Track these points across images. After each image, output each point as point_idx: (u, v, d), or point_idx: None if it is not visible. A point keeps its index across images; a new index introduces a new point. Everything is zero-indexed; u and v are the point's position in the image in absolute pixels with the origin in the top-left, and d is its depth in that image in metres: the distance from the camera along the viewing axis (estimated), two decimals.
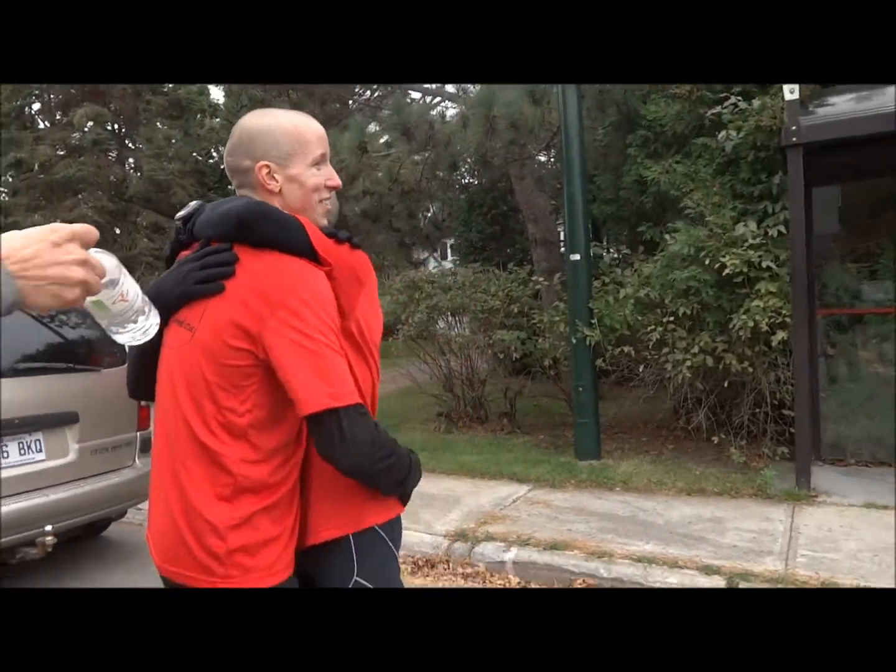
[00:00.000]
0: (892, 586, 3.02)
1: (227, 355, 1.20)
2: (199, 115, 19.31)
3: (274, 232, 1.22)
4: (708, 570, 3.32)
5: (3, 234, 0.80)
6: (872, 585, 3.03)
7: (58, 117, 17.47)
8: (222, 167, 16.97)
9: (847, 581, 3.09)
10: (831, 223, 5.52)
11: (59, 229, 0.82)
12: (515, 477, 5.13)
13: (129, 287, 0.99)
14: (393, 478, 1.29)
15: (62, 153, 16.84)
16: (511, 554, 3.71)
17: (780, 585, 3.11)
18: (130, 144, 18.61)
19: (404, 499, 1.38)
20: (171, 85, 17.48)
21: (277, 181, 1.29)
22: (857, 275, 5.22)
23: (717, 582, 3.21)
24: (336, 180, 1.36)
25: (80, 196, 16.72)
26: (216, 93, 19.87)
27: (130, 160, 18.82)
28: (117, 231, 17.67)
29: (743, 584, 3.15)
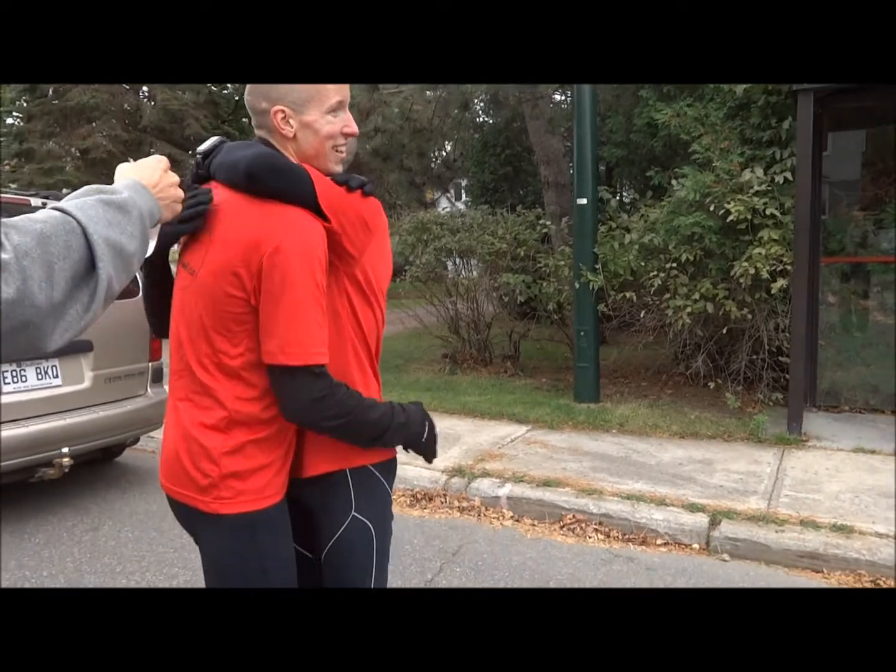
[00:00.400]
0: (868, 523, 3.15)
1: (222, 300, 1.24)
2: None
3: (280, 185, 1.25)
4: (693, 507, 3.46)
5: (126, 166, 1.06)
6: (849, 524, 3.16)
7: None
8: (237, 98, 16.74)
9: (825, 520, 3.22)
10: (853, 169, 5.45)
11: (161, 160, 1.08)
12: (515, 418, 5.27)
13: None
14: (356, 437, 1.33)
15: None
16: (505, 489, 3.86)
17: (761, 523, 3.25)
18: None
19: (416, 447, 1.43)
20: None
21: (292, 126, 1.30)
22: (865, 222, 5.19)
23: (701, 519, 3.35)
24: (353, 127, 1.36)
25: (94, 124, 16.58)
26: None
27: (144, 88, 18.60)
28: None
29: (725, 522, 3.29)
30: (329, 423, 1.27)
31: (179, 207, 1.15)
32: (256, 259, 1.20)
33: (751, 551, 3.14)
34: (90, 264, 0.79)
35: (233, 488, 1.27)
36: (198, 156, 1.37)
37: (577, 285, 5.51)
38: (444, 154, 12.68)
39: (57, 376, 3.67)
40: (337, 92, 1.31)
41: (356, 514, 1.39)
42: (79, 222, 0.79)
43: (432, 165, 11.43)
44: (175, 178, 1.12)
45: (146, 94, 18.56)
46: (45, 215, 0.78)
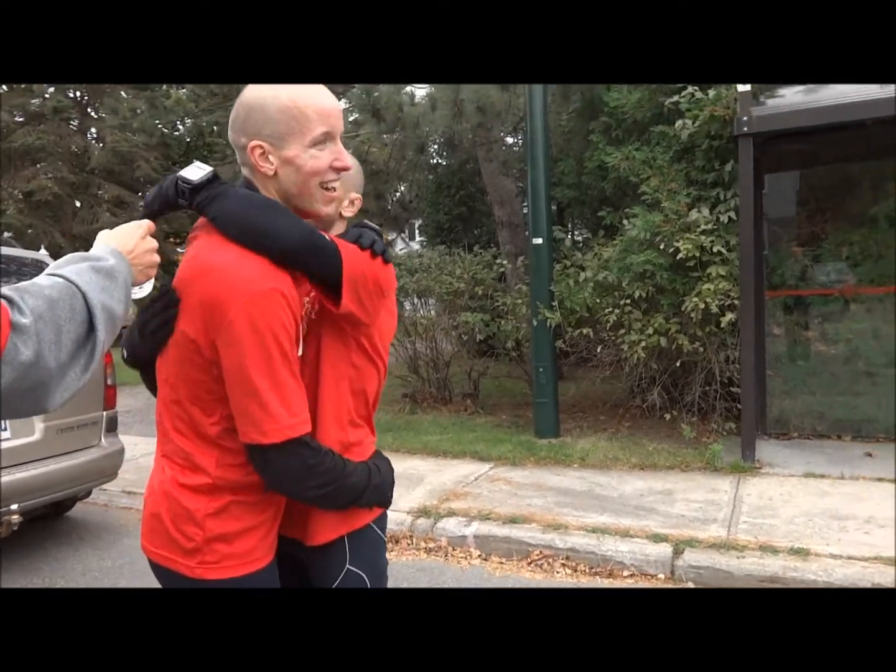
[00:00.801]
0: (823, 545, 3.27)
1: (188, 368, 1.17)
2: (164, 86, 18.91)
3: (311, 267, 1.18)
4: (657, 538, 3.53)
5: (106, 232, 1.06)
6: (805, 547, 3.27)
7: None
8: (188, 140, 16.55)
9: (783, 543, 3.33)
10: (789, 207, 5.77)
11: (142, 225, 1.10)
12: (477, 455, 5.30)
13: None
14: (336, 502, 1.27)
15: (21, 120, 16.37)
16: (472, 528, 3.87)
17: (722, 551, 3.33)
18: (93, 114, 18.15)
19: (382, 504, 1.38)
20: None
21: (272, 164, 1.16)
22: (804, 258, 5.47)
23: (665, 548, 3.41)
24: (344, 161, 1.20)
25: (38, 166, 16.29)
26: None
27: (93, 130, 18.39)
28: (77, 204, 17.20)
29: (688, 550, 3.36)
30: (313, 492, 1.20)
31: (154, 272, 1.12)
32: (212, 329, 1.11)
33: (714, 578, 3.21)
34: (90, 327, 0.83)
35: (218, 552, 1.19)
36: (183, 184, 1.19)
37: (534, 322, 5.63)
38: (399, 195, 12.87)
39: (5, 429, 3.54)
40: (321, 122, 1.15)
41: (350, 567, 1.36)
42: (78, 288, 0.83)
43: (388, 207, 11.57)
44: (153, 244, 1.11)
45: (94, 135, 18.37)
46: (49, 281, 0.83)
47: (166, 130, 19.20)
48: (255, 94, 1.17)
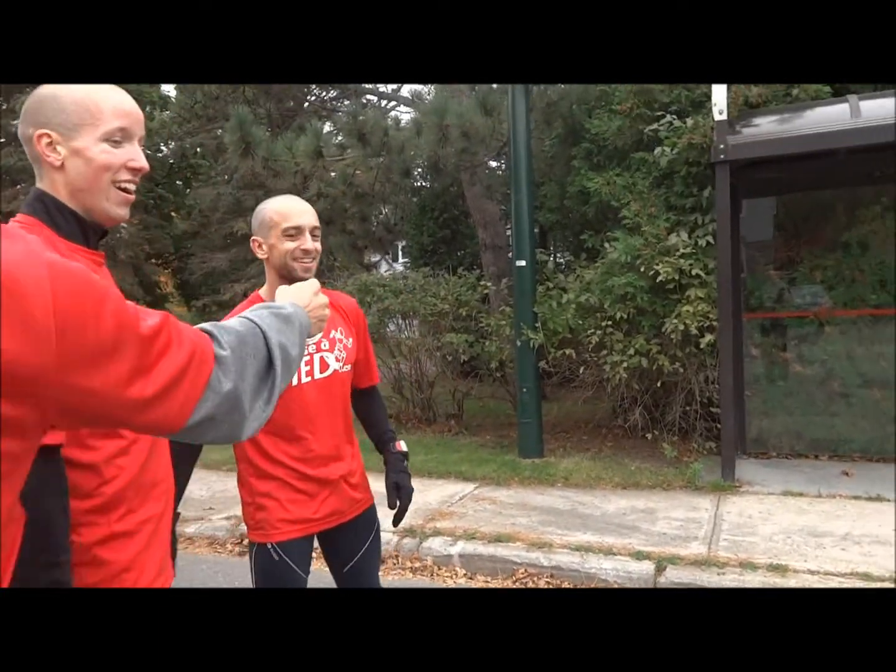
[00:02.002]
0: (801, 562, 3.34)
1: None
2: (148, 108, 18.96)
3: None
4: (639, 555, 3.59)
5: (284, 288, 1.22)
6: (784, 563, 3.33)
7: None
8: (172, 162, 16.49)
9: (762, 560, 3.39)
10: (766, 231, 5.93)
11: (314, 284, 1.26)
12: (462, 476, 5.33)
13: None
14: None
15: (2, 141, 16.30)
16: (457, 547, 3.90)
17: (703, 567, 3.39)
18: None
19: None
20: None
21: (60, 153, 1.10)
22: (780, 281, 5.62)
23: (648, 566, 3.47)
24: (140, 162, 1.16)
25: (19, 186, 16.21)
26: (167, 85, 19.55)
27: None
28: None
29: (670, 567, 3.42)
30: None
31: (325, 324, 1.27)
32: None
33: None
34: (269, 364, 0.92)
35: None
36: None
37: (518, 343, 5.70)
38: (383, 217, 12.99)
39: None
40: (117, 117, 1.12)
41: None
42: (260, 328, 0.93)
43: (373, 229, 11.66)
44: (325, 300, 1.24)
45: None
46: (237, 321, 0.93)
47: (149, 152, 19.24)
48: (50, 88, 1.12)
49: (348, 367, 1.90)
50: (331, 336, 1.85)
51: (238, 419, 0.85)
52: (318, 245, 1.77)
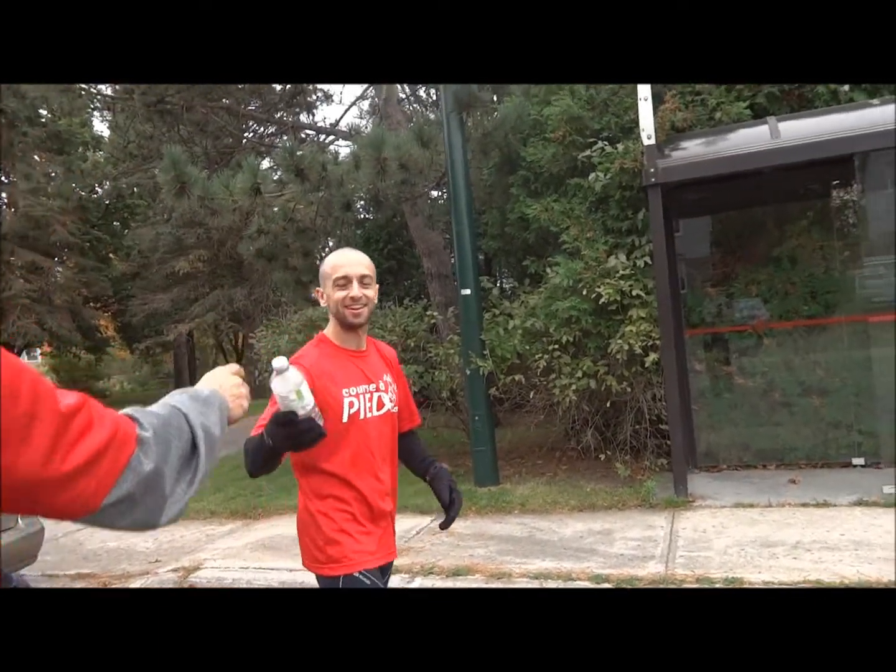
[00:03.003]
0: (755, 573, 3.37)
1: None
2: (80, 149, 18.52)
3: None
4: (598, 579, 3.57)
5: (205, 376, 1.22)
6: (739, 576, 3.37)
7: None
8: (107, 203, 16.09)
9: (718, 574, 3.42)
10: (703, 248, 6.11)
11: (230, 367, 1.27)
12: (418, 509, 5.24)
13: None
14: None
15: None
16: (415, 584, 3.82)
17: (661, 586, 3.39)
18: (3, 178, 17.55)
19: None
20: (48, 115, 16.68)
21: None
22: (718, 296, 5.78)
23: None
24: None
25: None
26: (99, 125, 19.17)
27: (3, 195, 17.78)
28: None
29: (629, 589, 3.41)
30: None
31: (246, 404, 1.26)
32: None
33: None
34: (192, 446, 0.93)
35: None
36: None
37: (467, 371, 5.70)
38: (328, 251, 12.92)
39: None
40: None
41: None
42: (181, 411, 0.95)
43: (317, 263, 11.58)
44: (239, 380, 1.26)
45: (5, 200, 17.76)
46: (159, 406, 0.96)
47: (84, 194, 18.76)
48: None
49: (396, 408, 2.03)
50: (384, 378, 1.99)
51: (158, 501, 0.85)
52: (367, 292, 1.91)
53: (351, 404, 1.87)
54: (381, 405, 1.95)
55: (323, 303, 1.96)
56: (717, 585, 3.31)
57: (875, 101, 4.79)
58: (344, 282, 1.88)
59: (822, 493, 4.55)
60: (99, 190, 19.76)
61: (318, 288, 1.98)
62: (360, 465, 1.89)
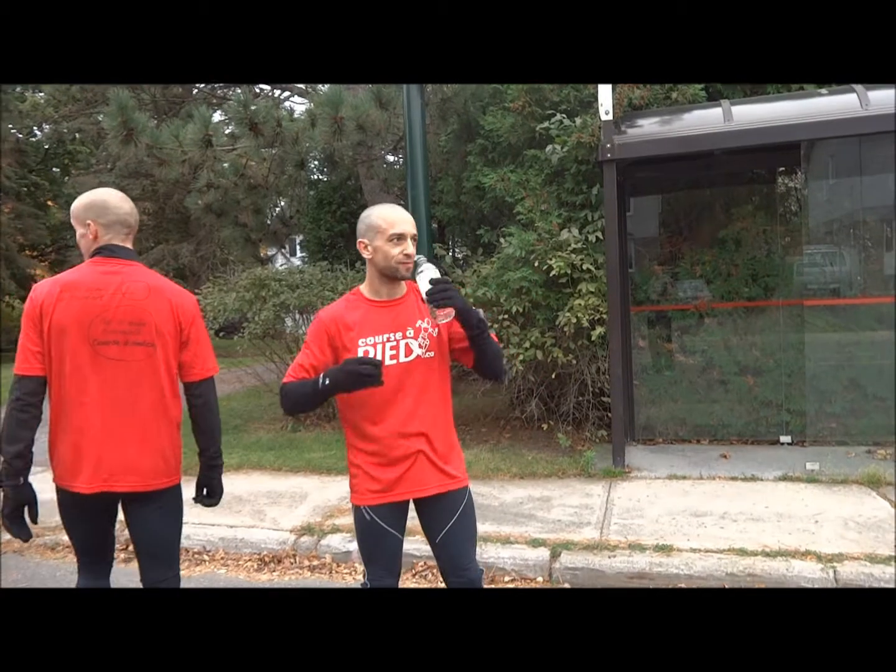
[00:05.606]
0: (684, 541, 3.53)
1: None
2: (18, 88, 17.54)
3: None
4: (535, 542, 3.68)
5: None
6: (669, 543, 3.52)
7: None
8: (47, 147, 15.36)
9: (649, 542, 3.56)
10: (652, 228, 6.22)
11: None
12: None
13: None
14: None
15: None
16: (356, 544, 3.84)
17: (595, 551, 3.52)
18: None
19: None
20: None
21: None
22: (664, 275, 5.92)
23: (543, 553, 3.56)
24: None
25: None
26: None
27: None
28: None
29: (564, 553, 3.52)
30: None
31: None
32: None
33: (588, 578, 3.39)
34: None
35: None
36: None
37: None
38: (279, 210, 12.63)
39: None
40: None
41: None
42: None
43: (268, 222, 11.33)
44: None
45: None
46: None
47: (21, 136, 17.82)
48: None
49: (431, 353, 2.08)
50: (415, 325, 2.06)
51: None
52: (414, 250, 2.05)
53: (366, 353, 1.99)
54: (409, 352, 2.05)
55: (367, 255, 2.03)
56: (648, 552, 3.45)
57: (823, 91, 4.93)
58: (398, 239, 1.99)
59: (750, 467, 4.77)
60: (38, 133, 18.81)
61: (361, 239, 2.05)
62: (376, 412, 2.03)
